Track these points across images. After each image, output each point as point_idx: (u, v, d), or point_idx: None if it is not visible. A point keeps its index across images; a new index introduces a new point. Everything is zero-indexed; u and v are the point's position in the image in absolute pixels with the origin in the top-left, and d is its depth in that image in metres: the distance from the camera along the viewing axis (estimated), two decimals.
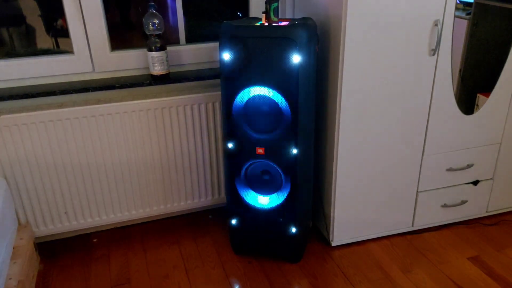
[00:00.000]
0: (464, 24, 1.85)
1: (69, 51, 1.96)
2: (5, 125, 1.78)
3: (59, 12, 1.92)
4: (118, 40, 2.04)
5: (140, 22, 2.08)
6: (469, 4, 1.84)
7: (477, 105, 1.99)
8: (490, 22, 1.89)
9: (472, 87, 1.97)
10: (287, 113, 1.67)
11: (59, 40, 1.99)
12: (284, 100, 1.65)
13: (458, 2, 1.74)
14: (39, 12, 1.91)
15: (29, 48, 1.94)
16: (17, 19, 1.90)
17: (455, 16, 1.74)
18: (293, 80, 1.60)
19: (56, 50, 1.97)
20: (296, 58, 1.57)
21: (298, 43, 1.55)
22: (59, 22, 1.96)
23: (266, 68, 1.61)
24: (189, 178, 2.14)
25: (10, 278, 1.62)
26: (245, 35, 1.59)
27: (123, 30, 2.08)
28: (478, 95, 1.99)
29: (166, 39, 2.07)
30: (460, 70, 1.90)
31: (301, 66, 1.58)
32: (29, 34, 1.93)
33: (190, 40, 2.14)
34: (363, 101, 1.76)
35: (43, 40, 1.96)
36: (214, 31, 2.20)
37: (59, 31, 1.97)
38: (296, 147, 1.71)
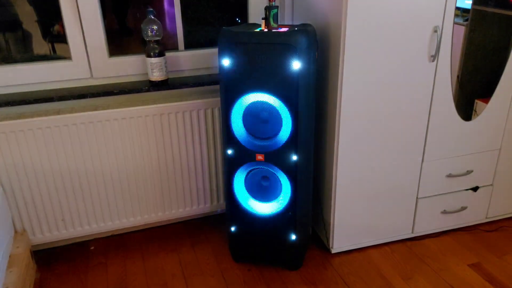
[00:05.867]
0: (461, 30, 1.86)
1: (66, 57, 1.95)
2: (1, 132, 1.76)
3: (56, 17, 1.91)
4: (115, 46, 2.02)
5: (137, 28, 2.07)
6: (467, 10, 1.84)
7: (475, 111, 1.99)
8: (487, 28, 1.89)
9: (470, 93, 1.97)
10: (287, 120, 1.66)
11: (56, 45, 1.98)
12: (284, 107, 1.64)
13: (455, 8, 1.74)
14: (35, 18, 1.90)
15: (25, 53, 1.93)
16: (14, 24, 1.88)
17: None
18: (293, 86, 1.60)
19: (53, 56, 1.96)
20: (296, 64, 1.56)
21: (298, 49, 1.54)
22: (56, 27, 1.95)
23: (265, 74, 1.60)
24: (187, 185, 2.12)
25: (7, 287, 1.60)
26: (244, 41, 1.58)
27: (120, 36, 2.07)
28: (476, 101, 1.99)
29: (164, 45, 2.06)
30: (458, 76, 1.90)
31: (301, 72, 1.57)
32: (25, 39, 1.92)
33: (187, 46, 2.13)
34: (363, 107, 1.75)
35: (40, 45, 1.94)
36: (210, 37, 2.19)
37: (55, 36, 1.96)
38: (296, 153, 1.69)
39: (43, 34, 1.94)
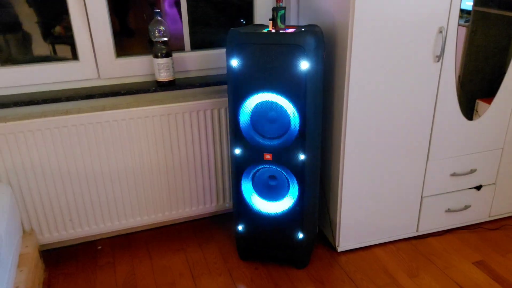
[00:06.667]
0: (463, 31, 1.88)
1: (67, 58, 1.96)
2: (10, 132, 1.77)
3: (57, 18, 1.92)
4: (118, 46, 2.02)
5: (138, 29, 2.08)
6: (468, 11, 1.86)
7: (477, 111, 2.01)
8: (488, 29, 1.92)
9: (471, 93, 2.00)
10: (295, 119, 1.67)
11: (57, 46, 1.98)
12: (292, 106, 1.66)
13: None
14: (35, 19, 1.90)
15: (26, 55, 1.93)
16: (14, 26, 1.88)
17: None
18: (301, 86, 1.61)
19: (54, 57, 1.96)
20: (304, 65, 1.58)
21: (306, 50, 1.56)
22: (57, 28, 1.95)
23: (274, 74, 1.62)
24: (194, 185, 2.14)
25: (17, 287, 1.60)
26: (253, 41, 1.60)
27: (122, 37, 2.07)
28: (478, 101, 2.01)
29: (170, 46, 2.07)
30: (459, 77, 1.92)
31: (309, 72, 1.59)
32: (26, 41, 1.92)
33: (193, 47, 2.14)
34: (369, 106, 1.77)
35: (40, 46, 1.94)
36: (215, 38, 2.20)
37: (56, 37, 1.96)
38: (303, 152, 1.71)
39: (43, 35, 1.95)
